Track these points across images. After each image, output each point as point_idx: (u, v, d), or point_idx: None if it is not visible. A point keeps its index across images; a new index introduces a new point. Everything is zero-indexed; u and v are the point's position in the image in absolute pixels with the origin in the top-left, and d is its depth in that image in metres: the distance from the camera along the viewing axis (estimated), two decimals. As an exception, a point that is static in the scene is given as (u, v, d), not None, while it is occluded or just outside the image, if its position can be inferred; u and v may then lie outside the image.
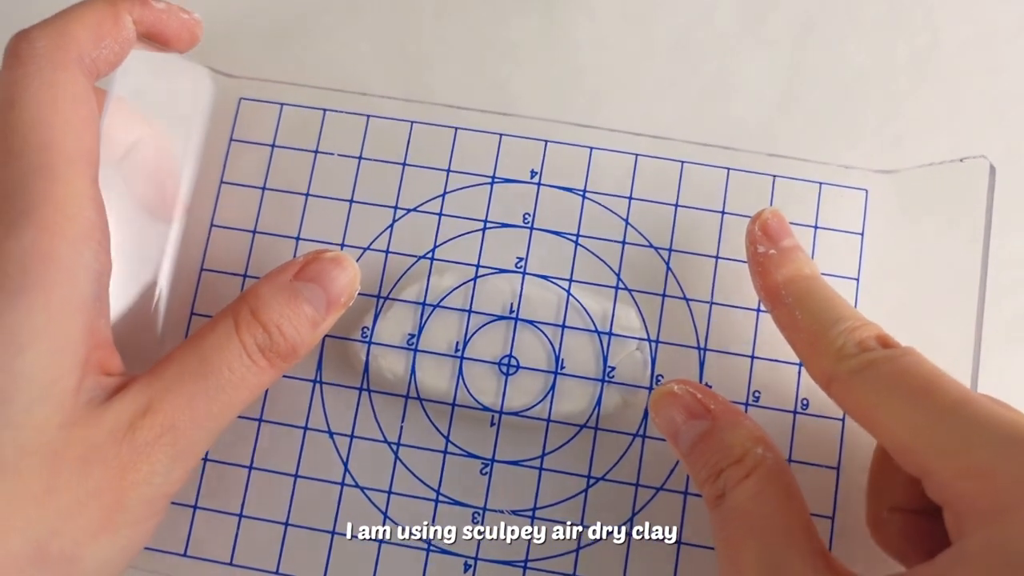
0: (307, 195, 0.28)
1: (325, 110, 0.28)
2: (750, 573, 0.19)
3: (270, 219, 0.27)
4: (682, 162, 0.27)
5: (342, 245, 0.27)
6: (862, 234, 0.27)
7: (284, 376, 0.26)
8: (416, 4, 0.30)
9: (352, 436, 0.26)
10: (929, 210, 0.26)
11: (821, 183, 0.27)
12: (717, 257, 0.27)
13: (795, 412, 0.26)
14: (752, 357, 0.26)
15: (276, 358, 0.22)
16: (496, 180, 0.28)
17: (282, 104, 0.28)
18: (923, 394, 0.19)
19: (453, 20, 0.30)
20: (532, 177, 0.28)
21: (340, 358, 0.27)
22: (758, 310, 0.26)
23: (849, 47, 0.29)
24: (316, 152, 0.28)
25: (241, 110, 0.28)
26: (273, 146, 0.28)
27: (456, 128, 0.28)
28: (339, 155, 0.28)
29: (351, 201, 0.27)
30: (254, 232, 0.27)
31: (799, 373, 0.26)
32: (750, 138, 0.28)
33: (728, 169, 0.27)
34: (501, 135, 0.28)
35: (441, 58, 0.30)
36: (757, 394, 0.26)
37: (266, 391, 0.26)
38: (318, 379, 0.27)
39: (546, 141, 0.28)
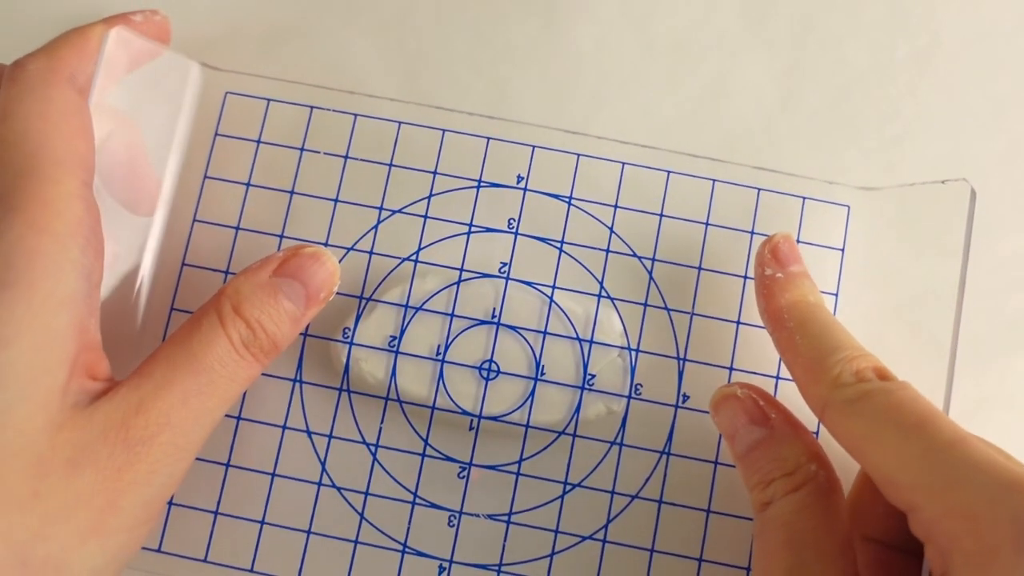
0: (292, 193, 0.27)
1: (312, 107, 0.28)
2: None
3: (254, 216, 0.27)
4: (668, 172, 0.27)
5: (326, 244, 0.27)
6: (843, 250, 0.27)
7: (264, 375, 0.26)
8: (415, 5, 0.30)
9: (331, 436, 0.26)
10: (910, 229, 0.26)
11: (805, 198, 0.27)
12: (700, 268, 0.27)
13: (771, 425, 0.26)
14: (731, 369, 0.26)
15: (259, 353, 0.22)
16: (482, 184, 0.28)
17: (269, 100, 0.28)
18: (917, 429, 0.19)
19: (452, 21, 0.30)
20: (518, 182, 0.28)
21: (321, 358, 0.27)
22: (738, 323, 0.27)
23: (849, 47, 0.29)
24: (302, 150, 0.28)
25: (227, 105, 0.28)
26: (259, 142, 0.28)
27: (444, 130, 0.28)
28: (325, 153, 0.28)
29: (336, 200, 0.27)
30: (237, 228, 0.27)
31: (776, 386, 0.26)
32: (750, 139, 0.28)
33: (714, 181, 0.27)
34: (489, 139, 0.28)
35: (439, 60, 0.29)
36: (734, 406, 0.26)
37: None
38: (298, 378, 0.27)
39: (533, 147, 0.28)
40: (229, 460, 0.26)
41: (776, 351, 0.24)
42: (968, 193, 0.24)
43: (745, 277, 0.27)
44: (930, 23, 0.30)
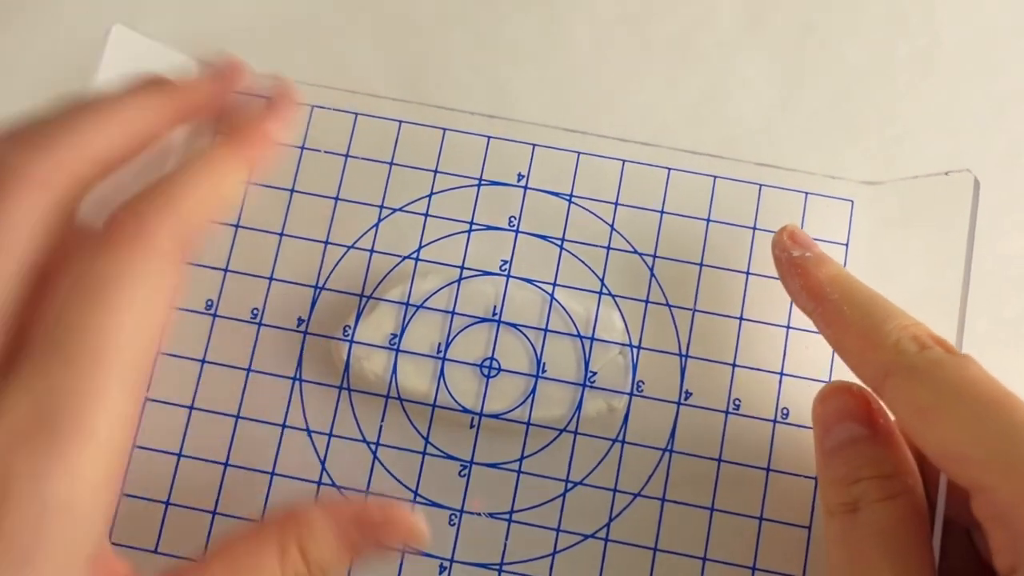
0: (292, 191, 0.27)
1: (313, 107, 0.28)
2: None
3: (253, 214, 0.27)
4: (669, 169, 0.27)
5: (326, 242, 0.27)
6: (847, 244, 0.27)
7: (263, 373, 0.26)
8: (416, 4, 0.30)
9: (330, 435, 0.26)
10: (914, 222, 0.26)
11: (807, 193, 0.27)
12: (701, 265, 0.27)
13: (775, 421, 0.26)
14: (733, 365, 0.26)
15: None
16: (483, 182, 0.27)
17: (269, 99, 0.28)
18: (995, 406, 0.18)
19: (453, 20, 0.30)
20: (519, 180, 0.27)
21: (321, 356, 0.26)
22: (740, 318, 0.26)
23: (849, 48, 0.29)
24: (303, 148, 0.28)
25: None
26: (259, 141, 0.28)
27: (445, 129, 0.28)
28: (326, 152, 0.28)
29: (336, 199, 0.27)
30: (237, 226, 0.27)
31: (780, 382, 0.26)
32: (750, 138, 0.28)
33: (715, 177, 0.27)
34: (489, 138, 0.28)
35: (440, 59, 0.29)
36: (737, 402, 0.26)
37: (244, 387, 0.26)
38: (298, 376, 0.26)
39: (534, 145, 0.28)
40: (227, 459, 0.26)
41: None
42: (971, 183, 0.24)
43: (748, 273, 0.27)
44: (930, 23, 0.30)
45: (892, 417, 0.22)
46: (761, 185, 0.27)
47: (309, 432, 0.26)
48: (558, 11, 0.30)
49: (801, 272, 0.23)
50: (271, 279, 0.27)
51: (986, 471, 0.18)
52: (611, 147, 0.28)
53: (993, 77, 0.29)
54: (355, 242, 0.27)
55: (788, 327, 0.26)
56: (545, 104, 0.29)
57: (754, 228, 0.27)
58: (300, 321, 0.27)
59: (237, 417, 0.26)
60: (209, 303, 0.27)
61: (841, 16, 0.30)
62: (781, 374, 0.26)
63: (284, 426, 0.26)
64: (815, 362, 0.26)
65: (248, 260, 0.27)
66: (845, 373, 0.24)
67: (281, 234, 0.27)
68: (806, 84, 0.29)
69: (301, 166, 0.27)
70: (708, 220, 0.27)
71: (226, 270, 0.27)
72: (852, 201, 0.27)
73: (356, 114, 0.28)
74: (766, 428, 0.26)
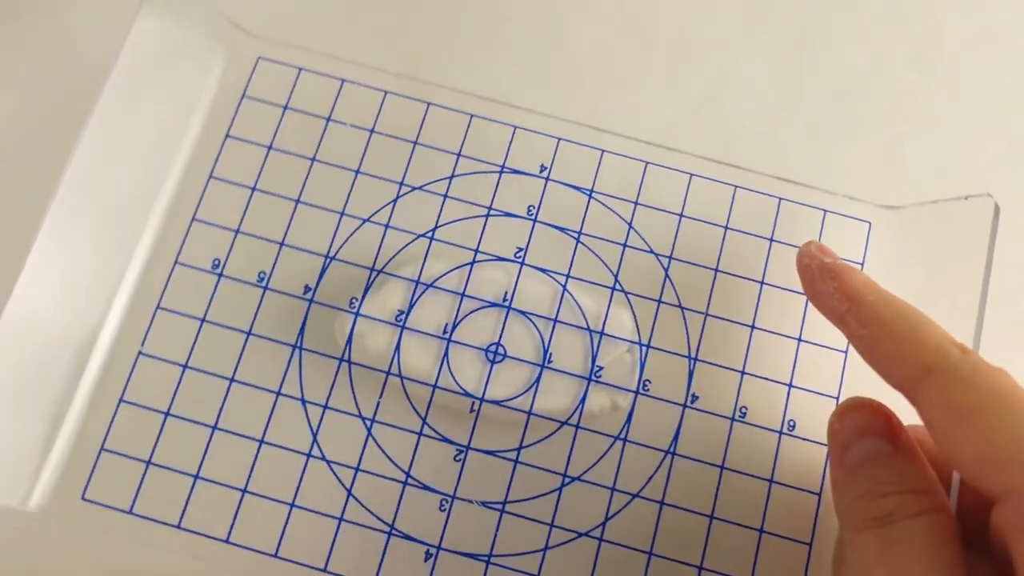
0: (313, 160, 0.27)
1: (343, 80, 0.28)
2: None
3: (271, 178, 0.27)
4: (691, 175, 0.27)
5: (342, 213, 0.27)
6: (862, 264, 0.27)
7: (262, 337, 0.26)
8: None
9: (326, 407, 0.25)
10: (931, 247, 0.26)
11: (825, 211, 0.27)
12: (716, 270, 0.27)
13: (780, 433, 0.25)
14: (742, 373, 0.26)
15: None
16: (505, 170, 0.27)
17: (300, 69, 0.28)
18: None
19: (456, 20, 0.30)
20: (541, 171, 0.27)
21: (324, 326, 0.26)
22: (752, 327, 0.26)
23: (850, 48, 0.30)
24: (328, 119, 0.28)
25: (258, 69, 0.28)
26: (286, 108, 0.28)
27: (472, 115, 0.28)
28: (351, 126, 0.28)
29: (357, 172, 0.27)
30: (253, 189, 0.27)
31: (788, 394, 0.25)
32: (751, 139, 0.29)
33: (736, 187, 0.27)
34: (515, 127, 0.28)
35: (445, 53, 0.30)
36: (744, 410, 0.25)
37: (242, 350, 0.25)
38: (298, 344, 0.26)
39: (559, 139, 0.28)
40: (216, 423, 0.25)
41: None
42: (992, 209, 0.24)
43: (762, 283, 0.26)
44: (931, 24, 0.30)
45: (912, 434, 0.21)
46: (781, 199, 0.27)
47: (304, 402, 0.25)
48: (556, 10, 0.30)
49: (835, 276, 0.23)
50: (282, 244, 0.26)
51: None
52: (636, 148, 0.28)
53: (995, 77, 0.30)
54: (371, 216, 0.27)
55: (800, 339, 0.26)
56: (572, 101, 0.29)
57: (771, 240, 0.27)
58: (307, 289, 0.26)
59: (231, 380, 0.25)
60: (216, 262, 0.26)
61: (842, 17, 0.30)
62: (790, 386, 0.26)
63: (279, 393, 0.25)
64: (825, 377, 0.26)
65: (260, 223, 0.27)
66: (855, 389, 0.24)
67: (297, 200, 0.27)
68: (807, 85, 0.29)
69: (324, 137, 0.27)
70: (726, 228, 0.27)
71: (237, 231, 0.26)
72: (869, 223, 0.27)
73: (386, 92, 0.28)
74: (771, 439, 0.25)
